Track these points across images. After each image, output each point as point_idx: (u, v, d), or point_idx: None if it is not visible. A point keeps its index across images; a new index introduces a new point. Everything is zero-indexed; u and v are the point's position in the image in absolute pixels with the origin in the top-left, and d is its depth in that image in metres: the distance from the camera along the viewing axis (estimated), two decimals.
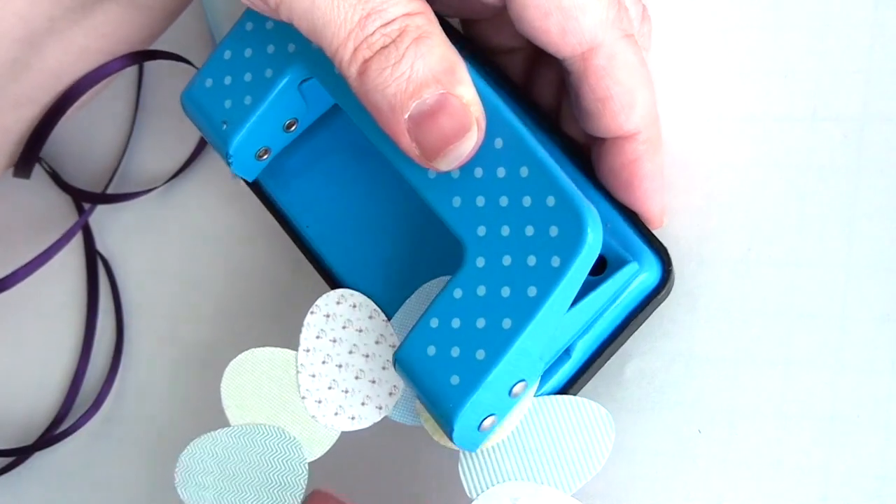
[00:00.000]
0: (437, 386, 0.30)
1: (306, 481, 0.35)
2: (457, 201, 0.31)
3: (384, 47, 0.29)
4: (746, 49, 0.38)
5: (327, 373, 0.35)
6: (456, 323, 0.30)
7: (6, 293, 0.42)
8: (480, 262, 0.30)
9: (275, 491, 0.35)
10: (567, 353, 0.34)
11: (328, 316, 0.36)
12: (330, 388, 0.35)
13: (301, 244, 0.38)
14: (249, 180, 0.38)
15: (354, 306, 0.36)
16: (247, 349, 0.44)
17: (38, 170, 0.46)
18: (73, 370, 0.46)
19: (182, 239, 0.46)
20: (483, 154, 0.30)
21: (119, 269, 0.47)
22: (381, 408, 0.35)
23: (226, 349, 0.44)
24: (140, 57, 0.40)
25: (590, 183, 0.35)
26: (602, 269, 0.33)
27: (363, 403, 0.35)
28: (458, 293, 0.31)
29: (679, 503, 0.37)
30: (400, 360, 0.31)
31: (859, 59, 0.36)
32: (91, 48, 0.38)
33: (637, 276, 0.34)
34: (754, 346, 0.36)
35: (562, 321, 0.31)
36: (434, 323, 0.31)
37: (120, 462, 0.46)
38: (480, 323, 0.30)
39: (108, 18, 0.37)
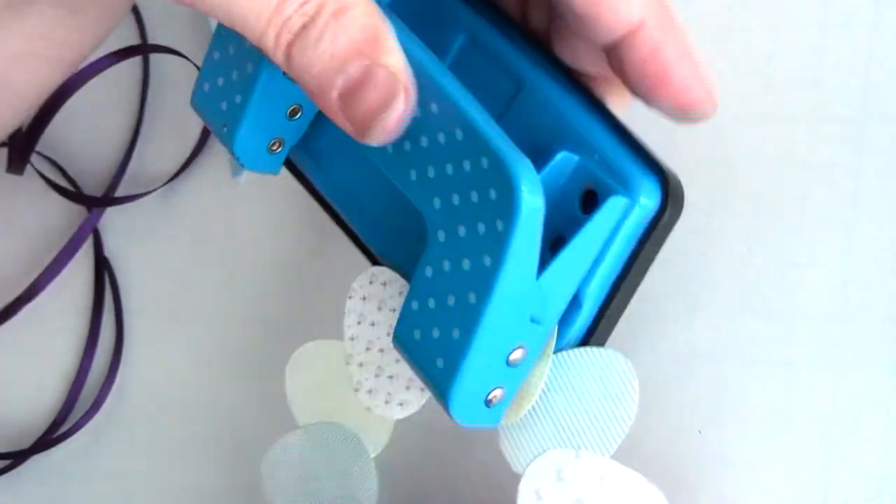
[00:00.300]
0: (427, 370, 0.29)
1: (375, 478, 0.34)
2: (413, 174, 0.30)
3: (304, 27, 0.28)
4: (746, 49, 0.38)
5: (372, 360, 0.34)
6: (431, 303, 0.29)
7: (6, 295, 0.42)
8: (441, 235, 0.29)
9: (349, 488, 0.35)
10: (577, 302, 0.31)
11: (365, 298, 0.35)
12: (377, 375, 0.34)
13: (336, 219, 0.37)
14: (275, 173, 0.37)
15: (385, 284, 0.34)
16: (247, 349, 0.44)
17: (38, 172, 0.47)
18: (75, 371, 0.46)
19: (183, 239, 0.46)
20: (424, 122, 0.29)
21: (120, 269, 0.47)
22: (423, 389, 0.34)
23: (227, 349, 0.45)
24: (129, 52, 0.39)
25: (584, 109, 0.32)
26: (594, 204, 0.31)
27: (408, 387, 0.34)
28: (428, 271, 0.29)
29: (679, 503, 0.37)
30: (396, 345, 0.31)
31: (859, 59, 0.36)
32: (28, 51, 0.36)
33: (633, 207, 0.30)
34: (754, 346, 0.36)
35: (557, 273, 0.29)
36: (415, 305, 0.30)
37: (120, 462, 0.46)
38: (451, 300, 0.29)
39: (42, 21, 0.36)
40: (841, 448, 0.35)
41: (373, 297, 0.34)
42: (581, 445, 0.32)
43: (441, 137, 0.29)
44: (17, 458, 0.46)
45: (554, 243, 0.31)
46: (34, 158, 0.47)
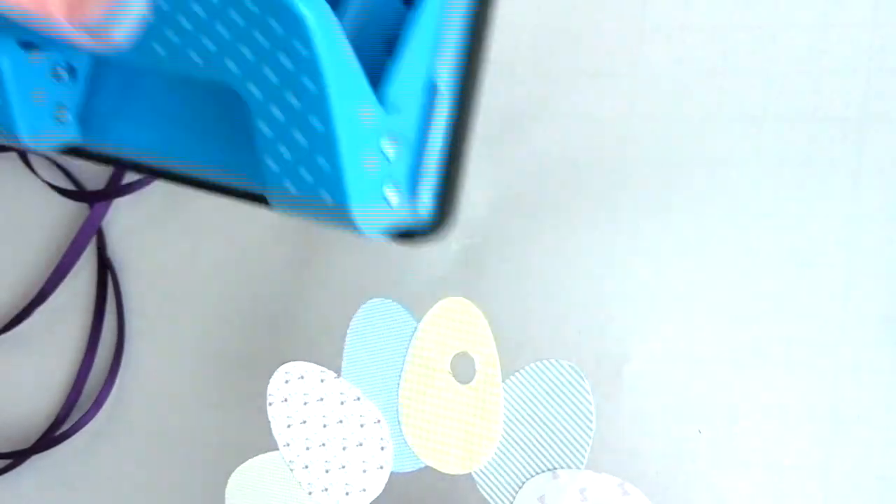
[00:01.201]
0: (321, 209, 0.29)
1: None
2: (195, 57, 0.29)
3: None
4: (746, 49, 0.38)
5: (317, 457, 0.33)
6: (286, 152, 0.29)
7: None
8: (254, 90, 0.29)
9: None
10: (433, 87, 0.31)
11: (286, 400, 0.34)
12: (327, 471, 0.33)
13: (171, 177, 0.35)
14: (77, 140, 0.34)
15: (302, 377, 0.34)
16: (248, 349, 0.44)
17: (39, 170, 0.47)
18: (76, 371, 0.46)
19: (185, 240, 0.46)
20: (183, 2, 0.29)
21: (121, 269, 0.47)
22: (382, 466, 0.33)
23: (228, 350, 0.45)
24: None
25: None
26: None
27: (364, 471, 0.33)
28: (263, 127, 0.29)
29: (679, 503, 0.37)
30: (272, 201, 0.31)
31: (859, 59, 0.36)
32: None
33: None
34: (754, 346, 0.36)
35: (404, 63, 0.29)
36: (272, 164, 0.29)
37: (120, 462, 0.46)
38: (299, 137, 0.29)
39: None
40: (841, 448, 0.35)
41: (294, 396, 0.34)
42: (555, 465, 0.32)
43: (197, 8, 0.29)
44: (17, 458, 0.46)
45: (390, 41, 0.30)
46: (35, 159, 0.47)
